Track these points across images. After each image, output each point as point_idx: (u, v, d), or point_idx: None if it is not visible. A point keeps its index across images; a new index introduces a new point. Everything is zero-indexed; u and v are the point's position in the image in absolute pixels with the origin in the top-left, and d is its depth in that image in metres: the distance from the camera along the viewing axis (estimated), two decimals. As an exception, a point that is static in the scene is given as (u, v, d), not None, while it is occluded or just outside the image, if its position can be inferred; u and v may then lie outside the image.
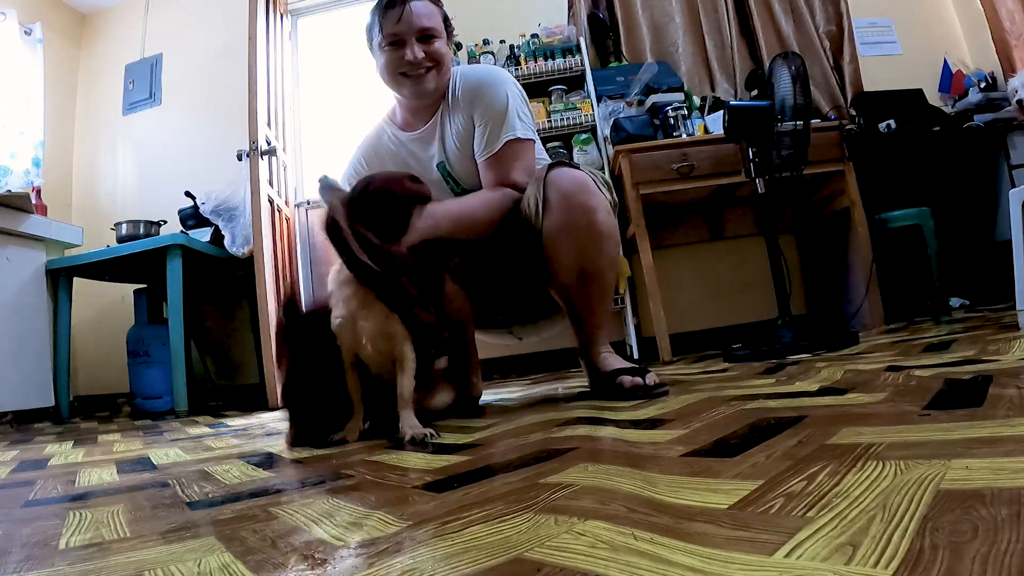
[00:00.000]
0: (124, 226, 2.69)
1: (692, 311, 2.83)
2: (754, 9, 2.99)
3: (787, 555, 0.33)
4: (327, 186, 1.08)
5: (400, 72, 1.32)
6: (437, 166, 1.40)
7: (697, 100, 2.74)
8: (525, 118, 1.35)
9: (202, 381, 2.96)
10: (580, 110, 2.71)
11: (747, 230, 2.86)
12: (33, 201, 2.53)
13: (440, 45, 1.32)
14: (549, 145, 2.57)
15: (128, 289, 2.93)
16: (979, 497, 0.37)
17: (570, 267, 1.27)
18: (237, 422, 1.83)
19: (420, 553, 0.42)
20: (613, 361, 1.32)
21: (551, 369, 2.63)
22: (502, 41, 2.84)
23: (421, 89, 1.33)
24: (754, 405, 0.90)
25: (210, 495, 0.73)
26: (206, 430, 1.68)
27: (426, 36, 1.30)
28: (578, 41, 2.84)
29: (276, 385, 2.27)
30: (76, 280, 2.66)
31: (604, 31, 3.03)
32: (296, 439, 1.10)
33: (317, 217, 1.25)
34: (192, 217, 2.85)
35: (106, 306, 3.15)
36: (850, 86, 2.92)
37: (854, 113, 2.79)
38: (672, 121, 2.54)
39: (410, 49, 1.29)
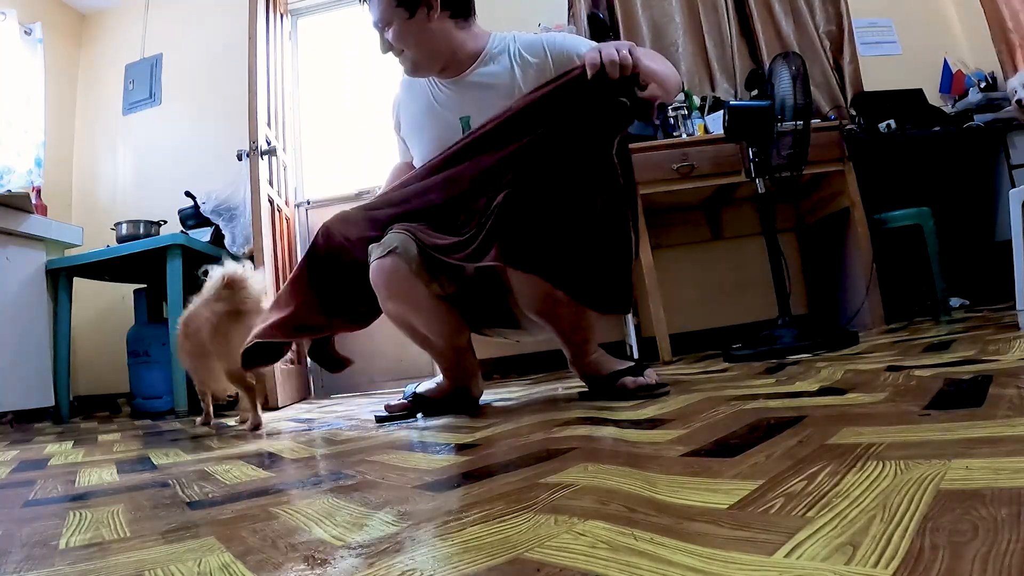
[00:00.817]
0: (124, 226, 2.69)
1: (692, 311, 2.83)
2: (754, 9, 2.99)
3: (787, 555, 0.33)
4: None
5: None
6: (460, 118, 1.41)
7: (697, 100, 2.74)
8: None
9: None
10: (580, 110, 2.70)
11: (747, 230, 2.86)
12: (33, 201, 2.53)
13: (394, 32, 1.34)
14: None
15: (128, 289, 2.93)
16: (979, 497, 0.37)
17: (532, 295, 1.24)
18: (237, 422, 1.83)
19: (420, 553, 0.42)
20: (607, 362, 1.31)
21: (551, 369, 2.63)
22: (502, 41, 2.84)
23: (406, 69, 1.41)
24: (754, 405, 0.90)
25: (210, 495, 0.73)
26: (206, 430, 1.67)
27: (380, 27, 1.35)
28: (578, 41, 2.84)
29: (276, 385, 2.27)
30: (76, 280, 2.66)
31: (604, 31, 3.03)
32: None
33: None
34: (192, 217, 2.85)
35: (106, 306, 3.15)
36: (850, 86, 2.91)
37: (854, 113, 2.79)
38: (672, 121, 2.55)
39: (379, 40, 1.37)
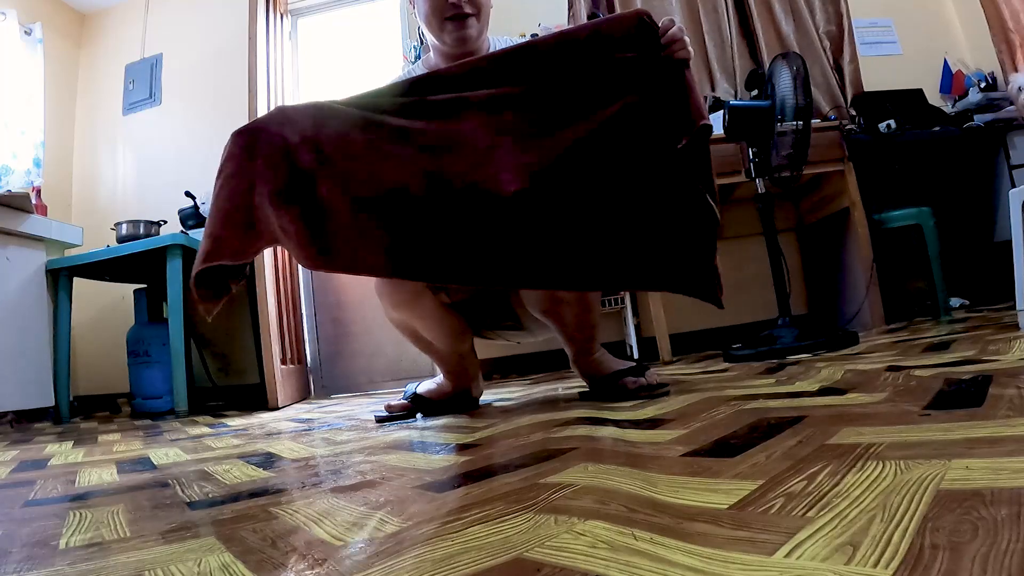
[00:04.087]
0: (124, 226, 2.69)
1: (692, 311, 2.82)
2: (754, 9, 2.99)
3: (787, 555, 0.33)
4: None
5: (445, 17, 1.27)
6: None
7: (697, 100, 2.74)
8: None
9: (202, 381, 2.96)
10: (580, 110, 2.70)
11: (747, 230, 2.86)
12: (33, 201, 2.52)
13: None
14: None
15: (128, 289, 2.93)
16: (979, 497, 0.37)
17: (539, 295, 1.24)
18: (237, 422, 1.83)
19: (420, 553, 0.42)
20: (609, 362, 1.31)
21: (551, 369, 2.63)
22: (502, 41, 2.84)
23: (463, 35, 1.28)
24: (754, 405, 0.90)
25: (210, 495, 0.73)
26: (206, 430, 1.67)
27: None
28: (578, 41, 2.83)
29: (276, 385, 2.27)
30: (76, 280, 2.66)
31: (604, 31, 3.03)
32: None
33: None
34: (192, 217, 2.85)
35: (106, 306, 3.15)
36: (850, 86, 2.91)
37: (854, 113, 2.79)
38: (672, 121, 2.54)
39: None
